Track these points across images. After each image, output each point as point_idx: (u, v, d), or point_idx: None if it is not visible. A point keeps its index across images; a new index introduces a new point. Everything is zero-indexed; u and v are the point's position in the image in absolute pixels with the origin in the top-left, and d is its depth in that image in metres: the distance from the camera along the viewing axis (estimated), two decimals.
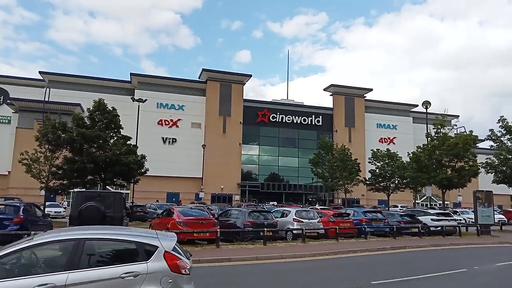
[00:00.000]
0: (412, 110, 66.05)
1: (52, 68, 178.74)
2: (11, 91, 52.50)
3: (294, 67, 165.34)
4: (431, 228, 21.81)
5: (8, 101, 49.70)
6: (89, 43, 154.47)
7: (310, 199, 58.98)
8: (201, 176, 51.92)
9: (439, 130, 29.89)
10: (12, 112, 49.66)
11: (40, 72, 52.61)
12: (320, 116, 61.19)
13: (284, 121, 59.39)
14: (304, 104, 63.09)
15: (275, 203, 44.67)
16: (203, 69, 55.97)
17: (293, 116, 59.75)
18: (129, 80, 54.24)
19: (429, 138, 30.81)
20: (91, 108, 26.84)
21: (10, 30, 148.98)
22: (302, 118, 60.26)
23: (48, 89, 47.13)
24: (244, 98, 57.75)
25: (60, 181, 25.60)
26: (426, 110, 31.54)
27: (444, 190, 29.80)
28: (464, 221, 29.32)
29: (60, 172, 25.25)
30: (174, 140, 53.58)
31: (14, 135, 46.63)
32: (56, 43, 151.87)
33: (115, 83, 54.64)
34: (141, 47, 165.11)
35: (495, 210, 27.35)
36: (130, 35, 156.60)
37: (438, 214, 23.71)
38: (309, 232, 17.67)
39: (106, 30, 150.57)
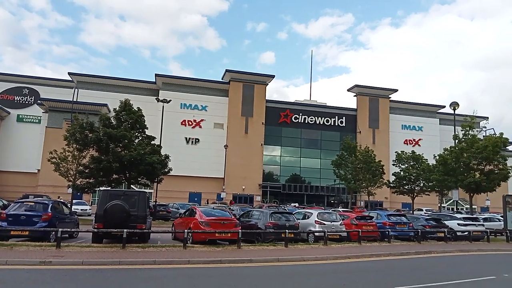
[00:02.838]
0: (439, 111, 64.32)
1: (83, 69, 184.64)
2: (42, 91, 54.44)
3: (319, 68, 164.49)
4: (457, 233, 21.29)
5: (39, 101, 51.42)
6: (119, 46, 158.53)
7: (332, 201, 58.33)
8: (223, 176, 52.26)
9: (467, 132, 29.03)
10: (42, 112, 51.38)
11: (69, 73, 54.32)
12: (344, 117, 60.43)
13: (306, 122, 58.96)
14: (327, 104, 62.41)
15: (297, 204, 44.44)
16: (226, 70, 56.30)
17: (316, 117, 59.22)
18: (154, 81, 55.19)
19: (456, 140, 29.97)
20: (117, 108, 27.51)
21: (45, 33, 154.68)
22: (325, 119, 59.65)
23: (76, 90, 48.60)
24: (266, 99, 57.75)
25: (87, 179, 26.36)
26: (454, 111, 30.64)
27: (471, 194, 28.93)
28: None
29: (86, 171, 26.00)
30: (197, 140, 54.12)
31: (44, 134, 48.24)
32: (87, 46, 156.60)
33: (141, 84, 55.69)
34: (169, 50, 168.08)
35: None
36: (159, 37, 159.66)
37: (465, 219, 23.05)
38: (331, 235, 17.49)
39: (136, 33, 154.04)
